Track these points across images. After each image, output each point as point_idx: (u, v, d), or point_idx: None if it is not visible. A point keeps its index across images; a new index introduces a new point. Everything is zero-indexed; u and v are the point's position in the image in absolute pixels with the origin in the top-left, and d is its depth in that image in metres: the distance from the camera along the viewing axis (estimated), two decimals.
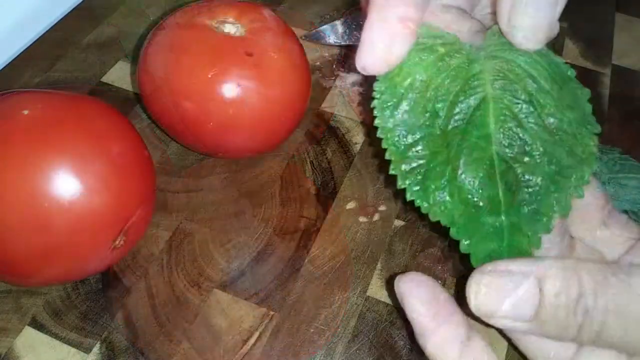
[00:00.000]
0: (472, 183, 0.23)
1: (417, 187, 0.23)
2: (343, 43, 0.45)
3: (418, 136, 0.23)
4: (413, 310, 0.21)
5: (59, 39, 0.45)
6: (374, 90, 0.23)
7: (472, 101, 0.23)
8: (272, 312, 0.30)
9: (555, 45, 0.46)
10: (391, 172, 0.23)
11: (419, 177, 0.23)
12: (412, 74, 0.23)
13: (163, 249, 0.33)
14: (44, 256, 0.26)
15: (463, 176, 0.23)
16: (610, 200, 0.25)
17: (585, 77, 0.44)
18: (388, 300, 0.31)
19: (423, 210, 0.23)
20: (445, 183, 0.23)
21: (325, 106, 0.41)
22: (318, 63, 0.44)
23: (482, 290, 0.19)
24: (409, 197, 0.22)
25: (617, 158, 0.36)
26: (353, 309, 0.31)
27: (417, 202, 0.23)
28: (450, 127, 0.23)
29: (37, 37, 0.45)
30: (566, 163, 0.23)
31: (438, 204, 0.22)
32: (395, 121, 0.23)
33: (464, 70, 0.23)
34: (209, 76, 0.30)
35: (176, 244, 0.33)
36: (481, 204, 0.22)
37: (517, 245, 0.23)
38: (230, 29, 0.32)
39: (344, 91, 0.42)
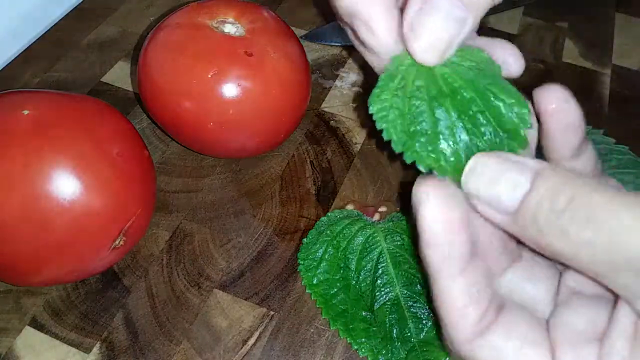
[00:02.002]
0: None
1: (343, 328, 0.29)
2: (343, 43, 0.45)
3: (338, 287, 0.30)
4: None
5: (59, 39, 0.45)
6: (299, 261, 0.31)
7: (374, 254, 0.31)
8: (272, 312, 0.30)
9: (555, 45, 0.46)
10: (323, 316, 0.30)
11: (344, 320, 0.29)
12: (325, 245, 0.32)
13: (163, 249, 0.33)
14: (44, 256, 0.26)
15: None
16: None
17: (585, 77, 0.44)
18: None
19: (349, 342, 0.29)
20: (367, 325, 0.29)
21: (325, 106, 0.41)
22: (318, 63, 0.44)
23: (477, 168, 0.19)
24: (340, 335, 0.29)
25: (613, 150, 0.36)
26: None
27: (343, 336, 0.29)
28: (361, 277, 0.30)
29: (37, 37, 0.45)
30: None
31: (363, 343, 0.29)
32: (318, 279, 0.31)
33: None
34: (209, 76, 0.30)
35: (176, 244, 0.33)
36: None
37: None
38: (230, 29, 0.32)
39: (344, 91, 0.42)
